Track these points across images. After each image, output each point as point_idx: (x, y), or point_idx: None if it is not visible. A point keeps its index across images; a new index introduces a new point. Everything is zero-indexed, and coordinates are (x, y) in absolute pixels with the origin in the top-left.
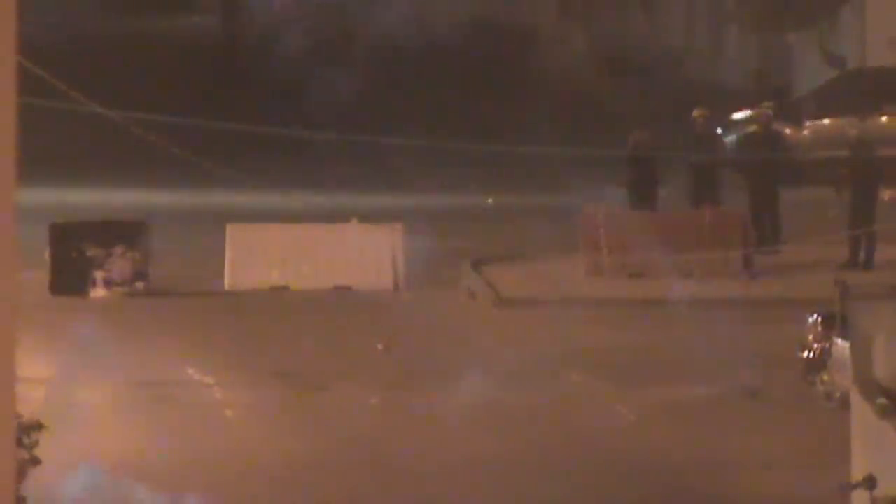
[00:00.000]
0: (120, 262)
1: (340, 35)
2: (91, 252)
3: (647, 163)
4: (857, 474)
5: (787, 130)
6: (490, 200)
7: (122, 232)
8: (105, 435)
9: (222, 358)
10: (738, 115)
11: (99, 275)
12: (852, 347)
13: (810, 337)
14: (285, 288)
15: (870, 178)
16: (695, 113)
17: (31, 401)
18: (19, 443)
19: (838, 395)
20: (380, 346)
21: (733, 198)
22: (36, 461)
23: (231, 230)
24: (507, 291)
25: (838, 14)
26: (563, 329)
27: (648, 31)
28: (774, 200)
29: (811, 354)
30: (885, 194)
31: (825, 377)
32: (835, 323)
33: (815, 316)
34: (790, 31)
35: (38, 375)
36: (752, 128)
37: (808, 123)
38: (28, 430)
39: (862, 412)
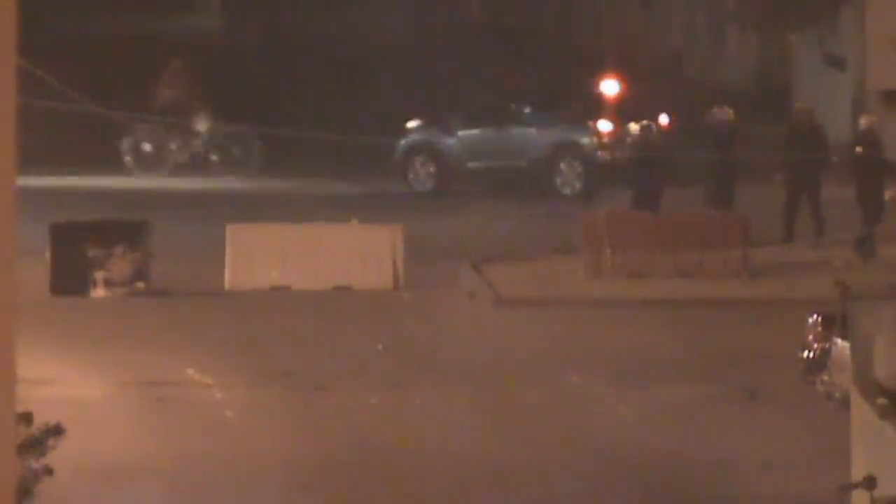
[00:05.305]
0: (120, 262)
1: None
2: (91, 252)
3: (653, 163)
4: (857, 475)
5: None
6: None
7: (122, 232)
8: (104, 435)
9: (222, 358)
10: (412, 123)
11: (99, 275)
12: (852, 348)
13: (810, 337)
14: (285, 288)
15: (875, 172)
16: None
17: (30, 401)
18: (35, 450)
19: (838, 395)
20: (380, 347)
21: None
22: (49, 471)
23: (231, 230)
24: (507, 291)
25: (838, 14)
26: (563, 329)
27: (648, 31)
28: (816, 198)
29: (811, 354)
30: (886, 194)
31: (825, 377)
32: (835, 323)
33: (816, 316)
34: (790, 31)
35: (37, 376)
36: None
37: (459, 134)
38: (45, 437)
39: (862, 412)
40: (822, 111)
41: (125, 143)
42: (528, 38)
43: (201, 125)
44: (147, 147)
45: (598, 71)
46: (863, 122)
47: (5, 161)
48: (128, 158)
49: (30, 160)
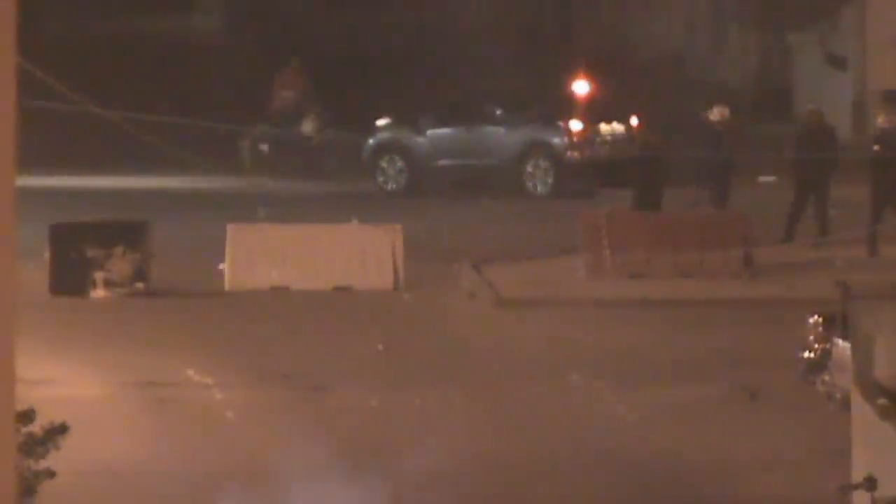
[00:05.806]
0: (120, 263)
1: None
2: (91, 252)
3: (654, 163)
4: (858, 475)
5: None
6: None
7: (122, 232)
8: (103, 436)
9: (222, 358)
10: (381, 122)
11: (99, 275)
12: (853, 348)
13: (811, 337)
14: (285, 288)
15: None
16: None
17: (29, 401)
18: (39, 449)
19: (839, 395)
20: (380, 347)
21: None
22: (51, 473)
23: (231, 230)
24: (507, 291)
25: (838, 14)
26: (563, 329)
27: (649, 31)
28: (825, 199)
29: (812, 355)
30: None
31: (826, 378)
32: (836, 323)
33: (816, 316)
34: (790, 31)
35: (37, 376)
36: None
37: (429, 133)
38: (49, 436)
39: (863, 413)
40: (824, 111)
41: (244, 144)
42: (526, 39)
43: (308, 127)
44: (265, 148)
45: (593, 70)
46: (881, 119)
47: (5, 161)
48: (246, 159)
49: (30, 160)
